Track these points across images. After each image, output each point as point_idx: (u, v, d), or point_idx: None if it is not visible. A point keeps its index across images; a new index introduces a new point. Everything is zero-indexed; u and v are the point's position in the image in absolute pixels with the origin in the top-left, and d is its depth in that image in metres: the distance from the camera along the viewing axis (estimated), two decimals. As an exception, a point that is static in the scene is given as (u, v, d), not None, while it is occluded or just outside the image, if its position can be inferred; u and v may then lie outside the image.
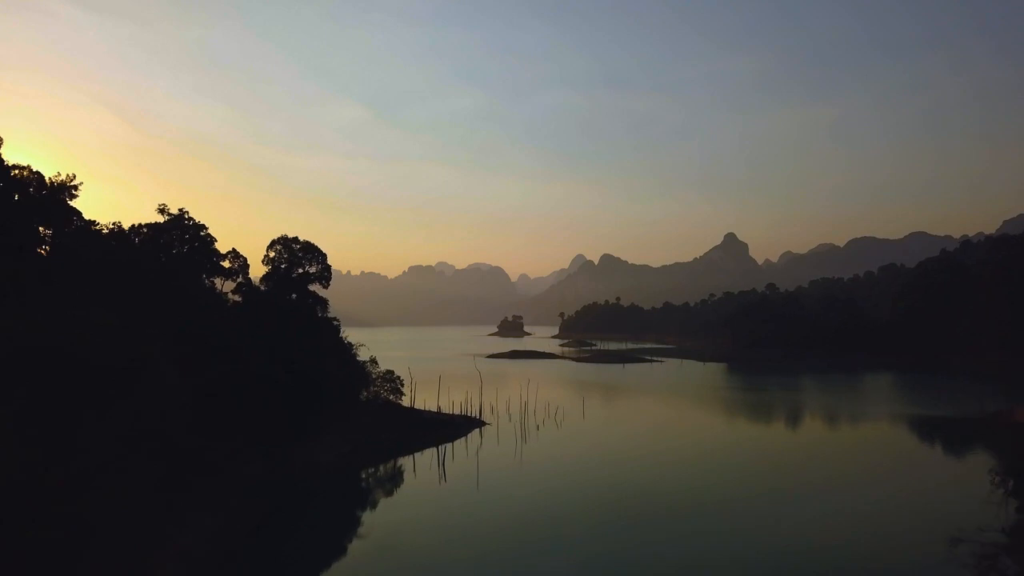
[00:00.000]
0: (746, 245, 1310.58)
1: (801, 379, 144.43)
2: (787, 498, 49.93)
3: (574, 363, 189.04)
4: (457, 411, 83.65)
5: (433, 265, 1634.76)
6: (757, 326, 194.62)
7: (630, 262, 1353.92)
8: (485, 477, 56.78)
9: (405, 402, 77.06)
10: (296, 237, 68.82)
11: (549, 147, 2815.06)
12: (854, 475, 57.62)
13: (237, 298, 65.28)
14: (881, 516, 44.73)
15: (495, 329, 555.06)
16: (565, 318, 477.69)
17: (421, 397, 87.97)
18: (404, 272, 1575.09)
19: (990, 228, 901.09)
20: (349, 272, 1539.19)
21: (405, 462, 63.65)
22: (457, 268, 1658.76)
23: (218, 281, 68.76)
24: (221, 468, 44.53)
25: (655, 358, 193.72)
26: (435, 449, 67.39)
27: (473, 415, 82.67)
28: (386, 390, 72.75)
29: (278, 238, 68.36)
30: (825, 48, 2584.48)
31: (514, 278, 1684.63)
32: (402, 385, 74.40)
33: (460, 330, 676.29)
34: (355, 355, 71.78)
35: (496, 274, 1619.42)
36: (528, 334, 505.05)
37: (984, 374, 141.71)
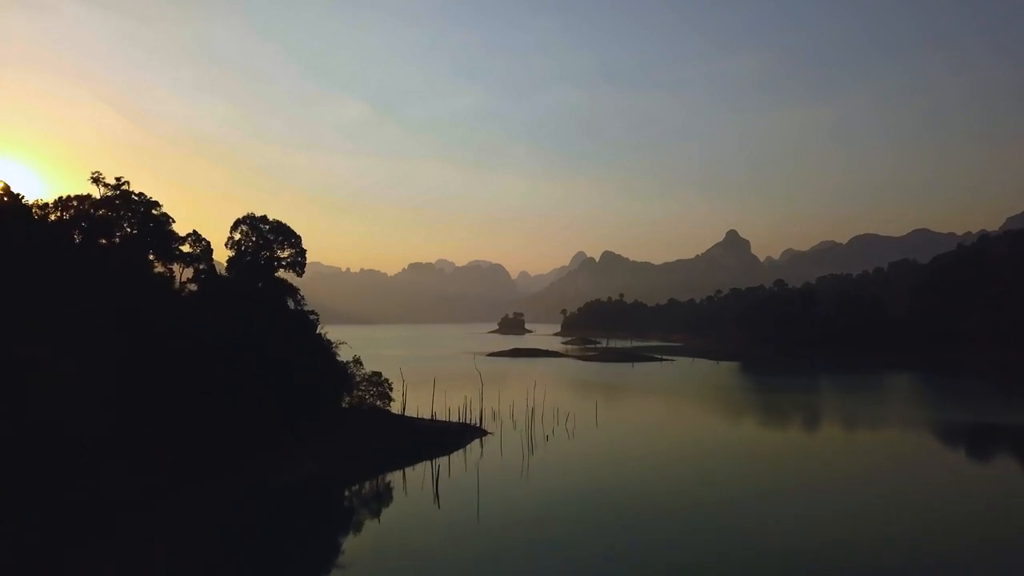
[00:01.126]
0: (748, 242, 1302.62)
1: (823, 380, 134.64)
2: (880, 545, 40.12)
3: (579, 362, 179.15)
4: (455, 418, 73.85)
5: (433, 262, 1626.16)
6: (770, 324, 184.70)
7: (631, 259, 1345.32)
8: (487, 500, 47.00)
9: (395, 408, 67.29)
10: (265, 216, 58.80)
11: (550, 146, 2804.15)
12: (933, 516, 47.92)
13: (195, 287, 55.37)
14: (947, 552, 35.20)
15: (495, 326, 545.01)
16: (567, 315, 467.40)
17: (414, 401, 78.11)
18: (404, 269, 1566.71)
19: (993, 225, 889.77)
20: (349, 269, 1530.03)
21: (393, 480, 53.94)
22: (457, 265, 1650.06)
23: (177, 268, 59.02)
24: (153, 498, 34.86)
25: (665, 357, 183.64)
26: (429, 464, 57.68)
27: (473, 422, 72.87)
28: (372, 395, 62.92)
29: (244, 217, 58.28)
30: (825, 47, 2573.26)
31: (514, 275, 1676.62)
32: (391, 389, 64.46)
33: (460, 327, 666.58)
34: (335, 354, 61.94)
35: (496, 271, 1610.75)
36: (529, 331, 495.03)
37: (1014, 375, 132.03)
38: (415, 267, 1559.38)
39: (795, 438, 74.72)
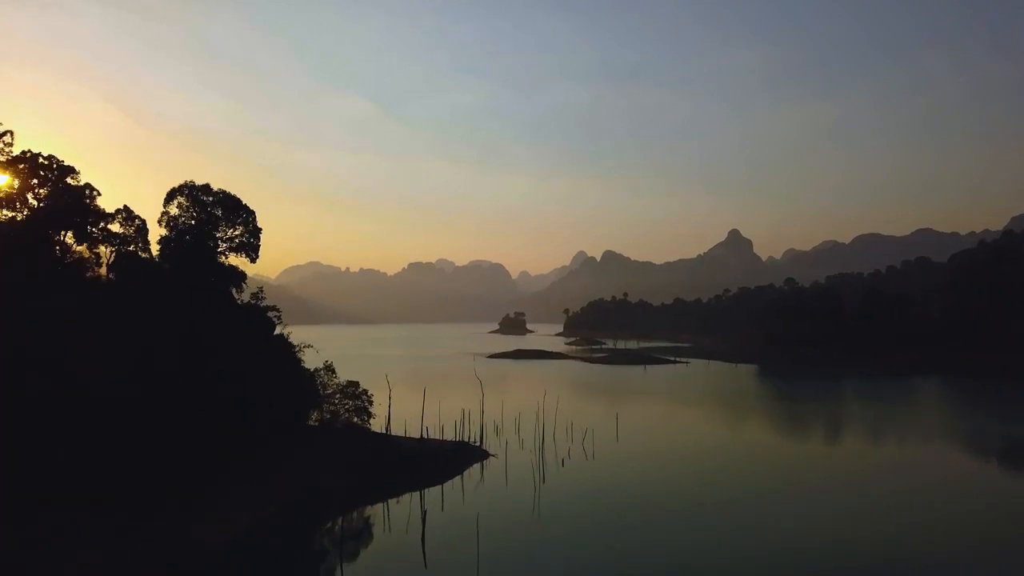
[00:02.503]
0: (750, 242, 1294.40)
1: (856, 386, 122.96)
2: None
3: (586, 364, 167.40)
4: (450, 434, 62.20)
5: (433, 262, 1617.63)
6: (789, 323, 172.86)
7: (632, 259, 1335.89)
8: (491, 551, 35.48)
9: (377, 424, 55.61)
10: (208, 185, 46.94)
11: (552, 144, 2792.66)
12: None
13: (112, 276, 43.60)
14: None
15: (496, 326, 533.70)
16: (570, 315, 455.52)
17: (402, 413, 66.25)
18: (404, 269, 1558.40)
19: (996, 225, 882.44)
20: (348, 269, 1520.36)
21: (368, 520, 42.46)
22: (457, 265, 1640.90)
23: (105, 252, 47.35)
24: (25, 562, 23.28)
25: (678, 359, 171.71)
26: (417, 497, 46.13)
27: (472, 440, 61.17)
28: (347, 409, 51.21)
29: (181, 185, 46.40)
30: (826, 46, 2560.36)
31: (515, 275, 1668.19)
32: (371, 402, 52.49)
33: (460, 327, 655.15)
34: (299, 360, 50.31)
35: (497, 271, 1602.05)
36: (531, 332, 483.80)
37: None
38: (415, 266, 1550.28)
39: (866, 463, 62.76)
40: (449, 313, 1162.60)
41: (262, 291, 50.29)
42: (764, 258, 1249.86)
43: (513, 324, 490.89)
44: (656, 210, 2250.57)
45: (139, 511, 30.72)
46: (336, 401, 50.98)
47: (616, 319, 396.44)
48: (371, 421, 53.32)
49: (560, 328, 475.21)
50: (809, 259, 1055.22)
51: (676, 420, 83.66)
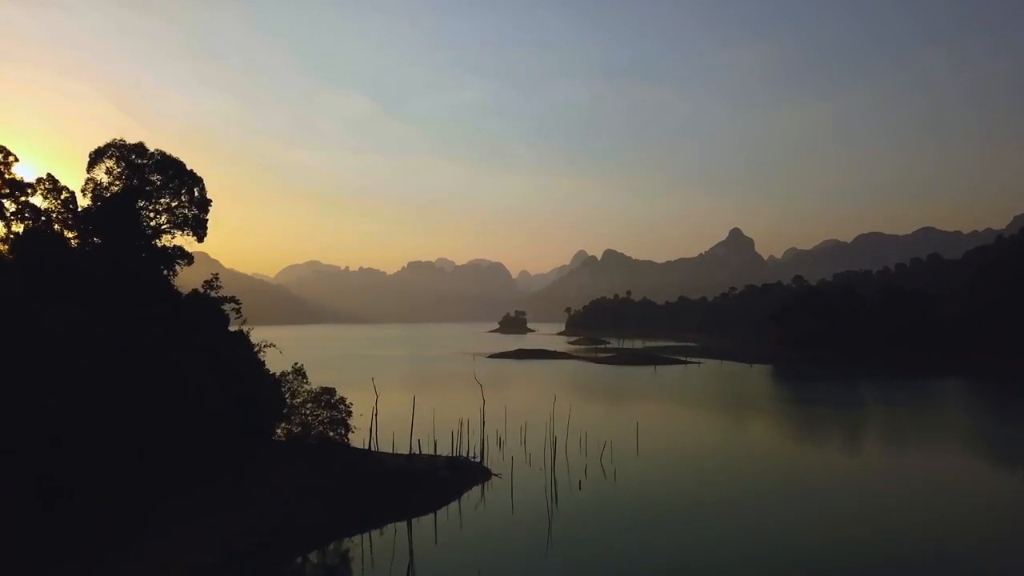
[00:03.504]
0: (752, 241, 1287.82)
1: (883, 389, 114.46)
2: None
3: (592, 365, 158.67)
4: (446, 449, 53.61)
5: (433, 261, 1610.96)
6: (804, 321, 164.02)
7: (633, 258, 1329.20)
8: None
9: (359, 438, 46.89)
10: (142, 145, 38.12)
11: (553, 143, 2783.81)
12: None
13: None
14: None
15: (496, 326, 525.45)
16: (572, 313, 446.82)
17: (391, 423, 57.59)
18: (403, 268, 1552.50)
19: (999, 224, 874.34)
20: (348, 268, 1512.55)
21: (349, 552, 34.17)
22: (457, 264, 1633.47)
23: (19, 225, 38.75)
24: None
25: (689, 359, 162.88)
26: (403, 528, 37.61)
27: (471, 455, 52.51)
28: (322, 421, 42.53)
29: (108, 144, 37.53)
30: (827, 45, 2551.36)
31: (515, 274, 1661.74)
32: (349, 413, 43.69)
33: (460, 327, 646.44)
34: (260, 362, 41.66)
35: (497, 270, 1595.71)
36: (532, 331, 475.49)
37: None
38: (415, 266, 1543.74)
39: (919, 480, 54.09)
40: (449, 312, 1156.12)
41: (217, 278, 41.62)
42: (765, 257, 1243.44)
43: (514, 323, 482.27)
44: (657, 209, 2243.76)
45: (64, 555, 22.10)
46: (307, 412, 42.39)
47: (619, 318, 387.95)
48: (352, 434, 44.59)
49: (562, 327, 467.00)
50: (811, 258, 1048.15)
51: (700, 429, 74.81)
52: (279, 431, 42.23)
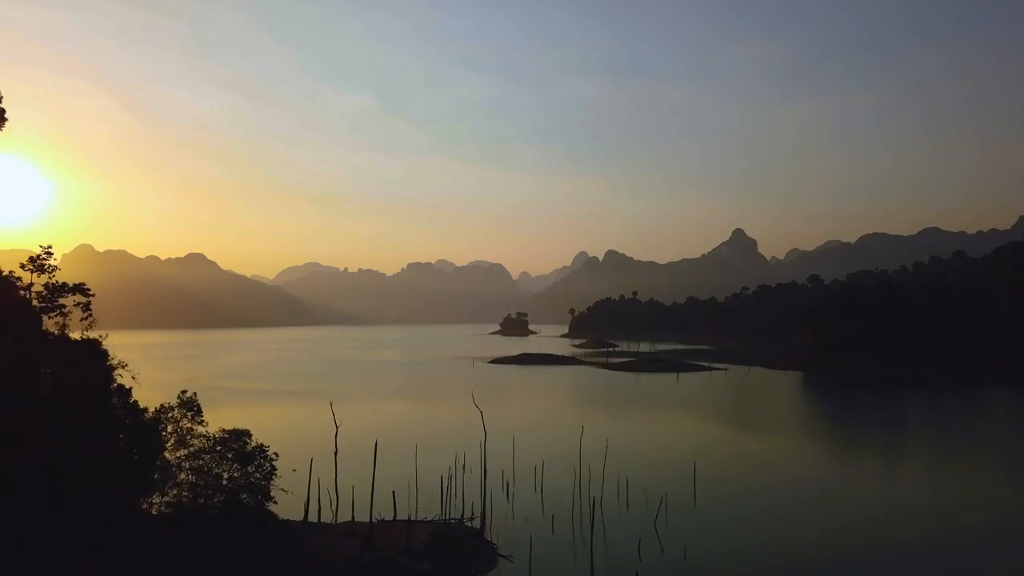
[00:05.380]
0: (755, 241, 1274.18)
1: (938, 398, 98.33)
2: None
3: (605, 372, 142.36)
4: (430, 509, 37.48)
5: (433, 262, 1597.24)
6: (845, 323, 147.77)
7: (635, 258, 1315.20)
8: None
9: (289, 505, 30.59)
10: None
11: (554, 142, 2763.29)
12: None
13: None
14: None
15: (497, 327, 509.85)
16: (576, 315, 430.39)
17: (357, 461, 41.40)
18: (403, 269, 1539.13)
19: (1004, 224, 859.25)
20: (347, 269, 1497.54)
21: None
22: (457, 265, 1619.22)
23: None
24: None
25: (715, 365, 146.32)
26: None
27: (468, 519, 36.42)
28: (230, 481, 26.24)
29: None
30: (835, 44, 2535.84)
31: (515, 275, 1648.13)
32: (274, 467, 27.32)
33: (460, 328, 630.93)
34: (120, 391, 25.55)
35: (497, 271, 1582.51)
36: (534, 333, 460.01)
37: None
38: (414, 266, 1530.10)
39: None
40: (449, 314, 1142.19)
41: (48, 250, 25.55)
42: (768, 257, 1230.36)
43: (515, 325, 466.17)
44: (658, 209, 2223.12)
45: None
46: (205, 467, 26.37)
47: (625, 319, 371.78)
48: (288, 493, 28.42)
49: (565, 329, 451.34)
50: (814, 258, 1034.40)
51: (769, 464, 57.28)
52: (156, 500, 26.20)
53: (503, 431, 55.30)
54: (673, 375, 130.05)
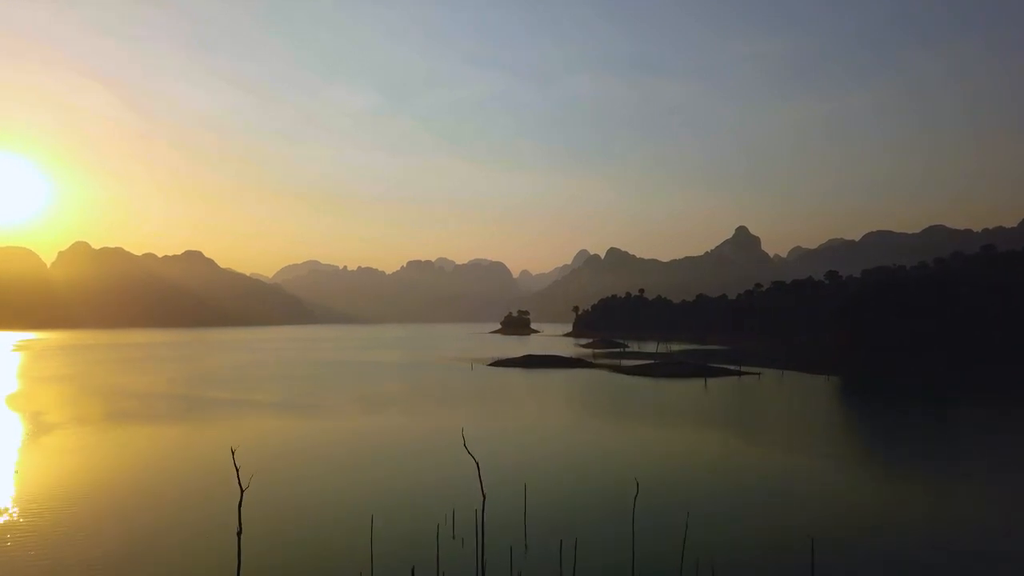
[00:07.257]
0: (758, 239, 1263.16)
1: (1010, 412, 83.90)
2: None
3: (618, 376, 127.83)
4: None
5: (433, 260, 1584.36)
6: (888, 323, 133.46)
7: (637, 256, 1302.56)
8: None
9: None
10: None
11: (556, 140, 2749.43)
12: None
13: None
14: None
15: (498, 326, 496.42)
16: (580, 313, 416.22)
17: (297, 509, 27.10)
18: (403, 267, 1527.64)
19: (1010, 222, 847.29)
20: (346, 267, 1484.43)
21: None
22: (457, 263, 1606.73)
23: None
24: None
25: (745, 369, 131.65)
26: None
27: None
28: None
29: None
30: (840, 41, 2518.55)
31: (516, 274, 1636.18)
32: None
33: (460, 327, 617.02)
34: None
35: (497, 269, 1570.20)
36: (536, 331, 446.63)
37: None
38: (414, 265, 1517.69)
39: None
40: (449, 312, 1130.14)
41: None
42: (771, 255, 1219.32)
43: (516, 324, 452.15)
44: (660, 207, 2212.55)
45: None
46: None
47: (632, 318, 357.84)
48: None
49: (566, 327, 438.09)
50: (817, 256, 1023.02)
51: (893, 510, 43.29)
52: None
53: (507, 465, 40.71)
54: (697, 381, 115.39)
